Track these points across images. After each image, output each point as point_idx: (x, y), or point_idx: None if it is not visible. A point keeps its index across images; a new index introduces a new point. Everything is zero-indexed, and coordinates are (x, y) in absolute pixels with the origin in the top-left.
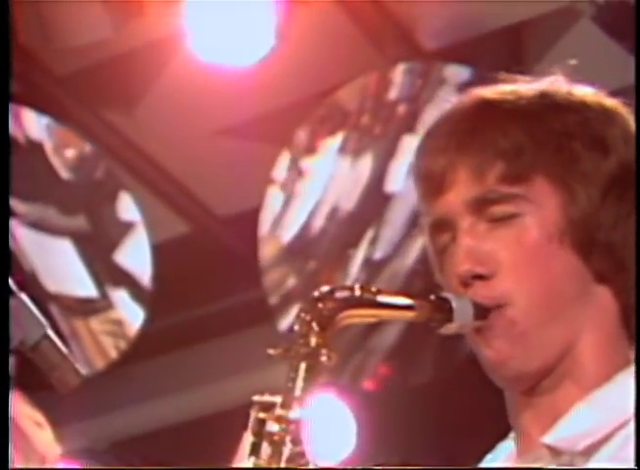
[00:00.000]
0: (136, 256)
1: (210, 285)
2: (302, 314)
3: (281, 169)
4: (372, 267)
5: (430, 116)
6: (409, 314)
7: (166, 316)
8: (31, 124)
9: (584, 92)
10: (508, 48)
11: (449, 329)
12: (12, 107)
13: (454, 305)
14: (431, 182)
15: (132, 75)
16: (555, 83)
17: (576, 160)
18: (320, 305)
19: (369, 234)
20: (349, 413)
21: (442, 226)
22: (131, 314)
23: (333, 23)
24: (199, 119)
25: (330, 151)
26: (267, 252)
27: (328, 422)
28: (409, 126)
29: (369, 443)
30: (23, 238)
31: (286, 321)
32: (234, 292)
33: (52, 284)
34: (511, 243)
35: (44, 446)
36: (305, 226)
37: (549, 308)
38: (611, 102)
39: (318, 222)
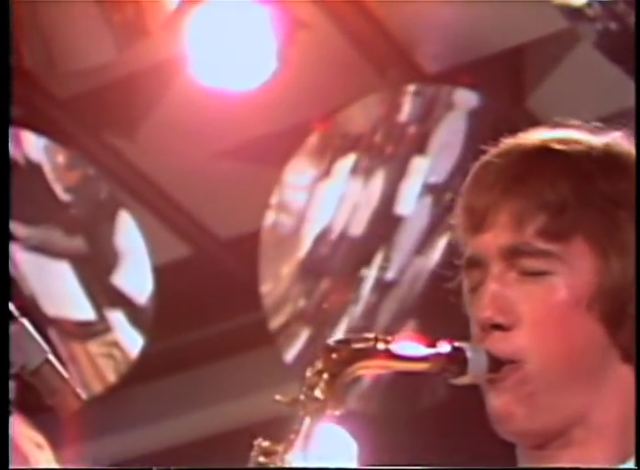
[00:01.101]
0: (137, 278)
1: (211, 308)
2: (316, 363)
3: (288, 191)
4: (383, 288)
5: (439, 137)
6: (423, 366)
7: (166, 339)
8: (31, 147)
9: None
10: (509, 70)
11: (462, 381)
12: (12, 130)
13: (469, 356)
14: (472, 218)
15: (134, 99)
16: (615, 142)
17: (618, 228)
18: (334, 355)
19: (379, 255)
20: (351, 438)
21: (476, 265)
22: (131, 337)
23: (333, 46)
24: (200, 142)
25: (342, 172)
26: (272, 273)
27: (329, 448)
28: (419, 148)
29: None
30: (23, 262)
31: (288, 345)
32: (234, 314)
33: (51, 308)
34: (536, 299)
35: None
36: (316, 247)
37: (564, 374)
38: None
39: (329, 243)
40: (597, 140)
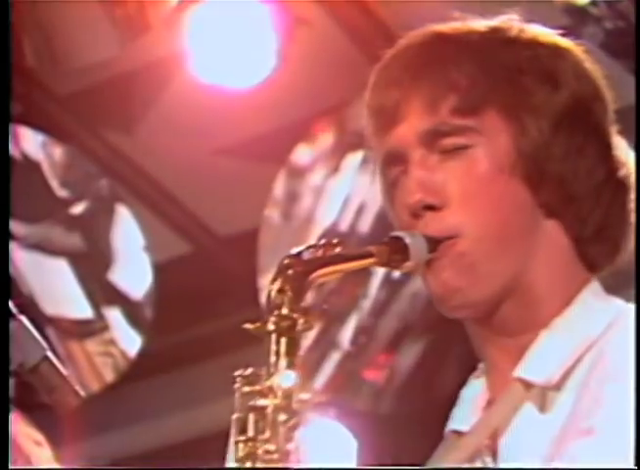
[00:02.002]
0: (135, 276)
1: (210, 305)
2: (275, 283)
3: (295, 186)
4: (392, 285)
5: None
6: (371, 261)
7: (165, 336)
8: (29, 143)
9: (536, 30)
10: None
11: (408, 267)
12: (12, 127)
13: (408, 241)
14: (383, 116)
15: (133, 95)
16: (507, 21)
17: (527, 93)
18: (290, 271)
19: None
20: (350, 434)
21: (394, 159)
22: (129, 335)
23: (333, 44)
24: (199, 139)
25: (350, 169)
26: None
27: (328, 444)
28: None
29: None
30: (21, 261)
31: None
32: (234, 311)
33: (49, 307)
34: (462, 174)
35: (44, 465)
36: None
37: (498, 240)
38: (563, 40)
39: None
40: (488, 22)
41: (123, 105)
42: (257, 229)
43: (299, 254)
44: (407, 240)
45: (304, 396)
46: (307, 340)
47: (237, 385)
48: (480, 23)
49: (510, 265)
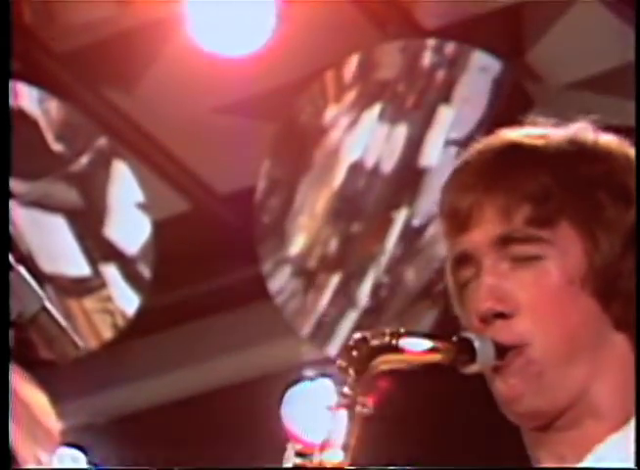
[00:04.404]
0: (133, 233)
1: (209, 262)
2: (339, 362)
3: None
4: (411, 234)
5: (462, 90)
6: (435, 357)
7: (164, 293)
8: (27, 100)
9: (609, 141)
10: (507, 27)
11: (471, 369)
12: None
13: (476, 345)
14: (456, 219)
15: (132, 54)
16: (582, 130)
17: (601, 208)
18: (354, 352)
19: (404, 205)
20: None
21: (465, 262)
22: (128, 292)
23: (332, 3)
24: (198, 97)
25: (369, 120)
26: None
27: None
28: (445, 96)
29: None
30: (19, 218)
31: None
32: (232, 269)
33: (47, 264)
34: (532, 284)
35: (46, 413)
36: (348, 183)
37: (566, 351)
38: (632, 151)
39: (360, 181)
40: (563, 132)
41: (123, 63)
42: (256, 186)
43: (366, 338)
44: (476, 344)
45: None
46: (324, 298)
47: (290, 453)
48: (555, 133)
49: (578, 376)
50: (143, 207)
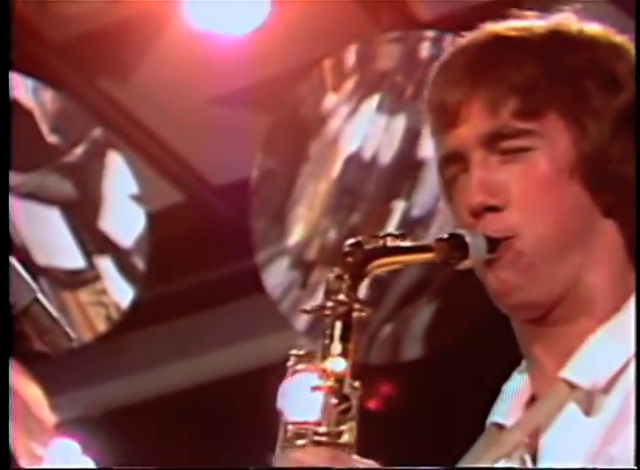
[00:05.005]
0: (128, 225)
1: (204, 254)
2: (334, 269)
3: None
4: (410, 226)
5: None
6: (429, 256)
7: (159, 286)
8: (22, 91)
9: (594, 29)
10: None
11: (465, 265)
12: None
13: (468, 240)
14: (444, 115)
15: (127, 43)
16: (565, 20)
17: (588, 96)
18: (349, 258)
19: (403, 196)
20: None
21: (454, 159)
22: (122, 284)
23: None
24: (193, 88)
25: (367, 111)
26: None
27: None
28: None
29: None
30: (14, 211)
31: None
32: (226, 261)
33: (42, 257)
34: (522, 176)
35: (39, 405)
36: (347, 173)
37: (557, 241)
38: (619, 38)
39: (359, 171)
40: (546, 22)
41: (117, 52)
42: (251, 178)
43: (361, 242)
44: (468, 238)
45: (355, 383)
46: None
47: (290, 363)
48: (539, 24)
49: (569, 266)
50: (137, 198)
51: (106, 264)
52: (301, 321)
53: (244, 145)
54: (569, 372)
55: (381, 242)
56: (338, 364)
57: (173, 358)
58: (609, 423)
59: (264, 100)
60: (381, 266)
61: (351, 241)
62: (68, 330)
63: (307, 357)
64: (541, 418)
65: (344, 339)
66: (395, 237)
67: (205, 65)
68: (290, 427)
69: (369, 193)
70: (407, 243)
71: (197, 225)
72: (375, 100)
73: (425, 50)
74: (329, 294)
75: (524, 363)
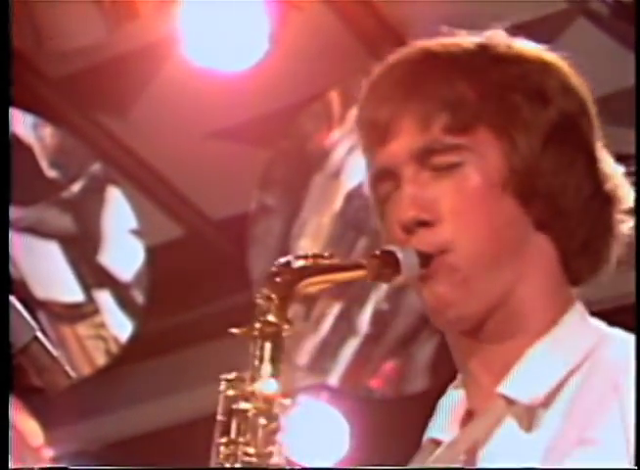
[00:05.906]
0: (127, 259)
1: (203, 288)
2: (263, 290)
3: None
4: None
5: None
6: (361, 274)
7: (158, 320)
8: (21, 126)
9: (523, 45)
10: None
11: (398, 281)
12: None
13: (400, 256)
14: (375, 131)
15: (125, 79)
16: (494, 37)
17: (517, 110)
18: (278, 279)
19: None
20: (342, 418)
21: (385, 176)
22: (121, 318)
23: (326, 27)
24: (192, 123)
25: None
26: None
27: (320, 426)
28: None
29: (362, 447)
30: (13, 245)
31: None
32: (225, 296)
33: (40, 290)
34: (454, 191)
35: (36, 439)
36: (347, 205)
37: (490, 255)
38: (549, 55)
39: (359, 204)
40: (474, 38)
41: (116, 88)
42: (250, 213)
43: (289, 262)
44: (399, 254)
45: (285, 401)
46: (325, 325)
47: (221, 388)
48: (469, 40)
49: (502, 279)
50: (136, 233)
51: (105, 298)
52: (303, 356)
53: (243, 180)
54: (506, 387)
55: (310, 261)
56: (269, 386)
57: (172, 392)
58: (550, 438)
59: (263, 135)
60: (311, 285)
61: (280, 261)
62: (68, 369)
63: (238, 381)
64: (479, 434)
65: (275, 359)
66: (323, 257)
67: (203, 100)
68: (222, 447)
69: (372, 227)
70: (337, 261)
71: (196, 259)
72: None
73: None
74: (258, 314)
75: (459, 378)
